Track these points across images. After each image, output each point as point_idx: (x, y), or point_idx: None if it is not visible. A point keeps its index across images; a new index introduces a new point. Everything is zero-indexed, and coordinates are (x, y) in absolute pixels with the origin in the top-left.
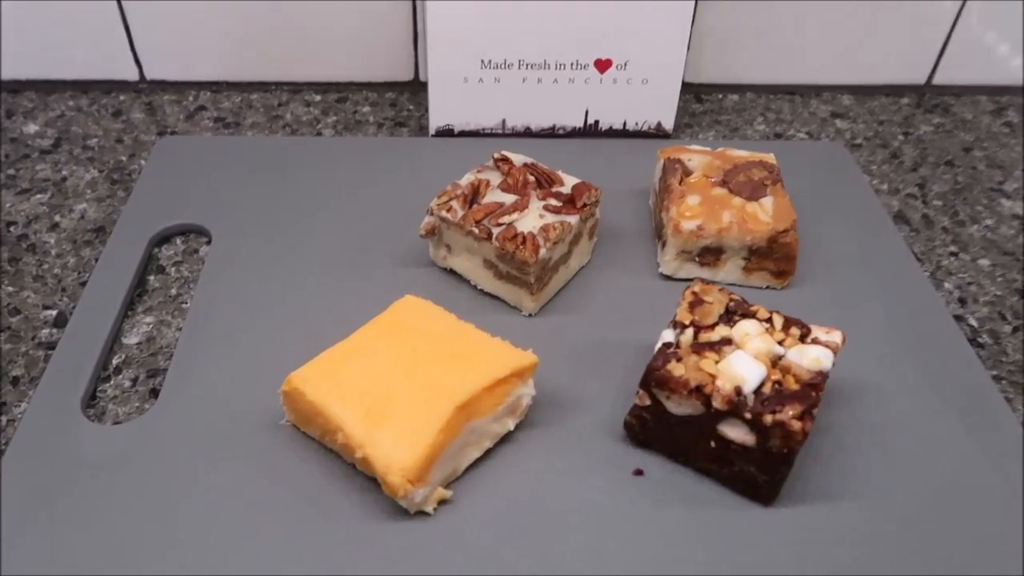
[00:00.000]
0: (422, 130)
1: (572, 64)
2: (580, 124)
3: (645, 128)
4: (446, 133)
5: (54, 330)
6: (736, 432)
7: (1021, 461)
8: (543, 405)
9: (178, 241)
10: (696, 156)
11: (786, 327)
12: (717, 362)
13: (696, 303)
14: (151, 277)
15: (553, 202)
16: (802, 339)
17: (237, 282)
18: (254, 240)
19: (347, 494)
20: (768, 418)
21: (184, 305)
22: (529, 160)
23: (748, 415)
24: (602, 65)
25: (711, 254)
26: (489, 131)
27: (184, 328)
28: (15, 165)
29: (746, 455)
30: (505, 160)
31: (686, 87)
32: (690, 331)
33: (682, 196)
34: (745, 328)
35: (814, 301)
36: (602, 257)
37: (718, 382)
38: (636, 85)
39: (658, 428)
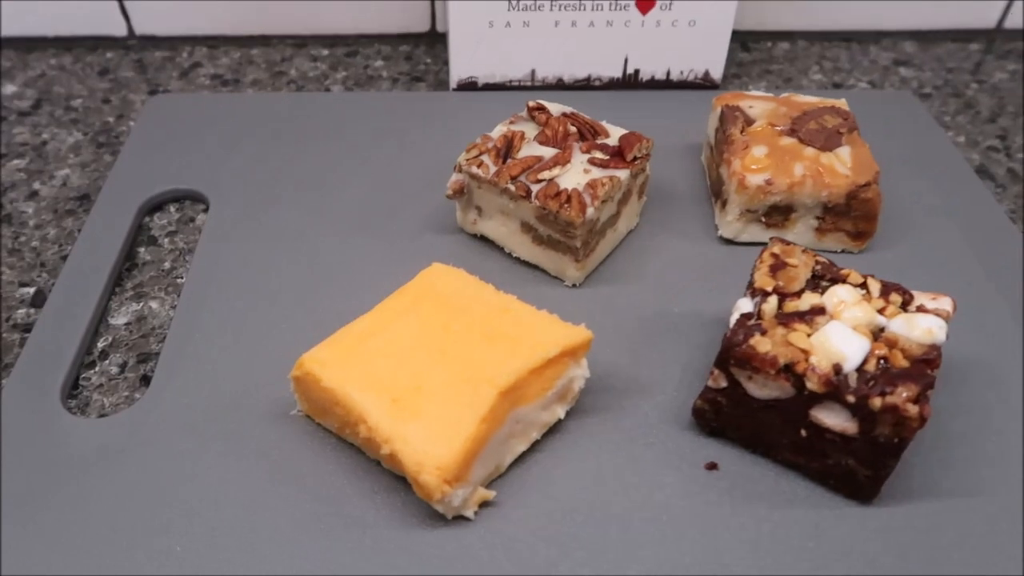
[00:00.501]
0: (441, 85)
1: (611, 4)
2: (619, 74)
3: (691, 78)
4: (469, 86)
5: (31, 310)
6: (834, 419)
7: None
8: (597, 389)
9: (171, 209)
10: (758, 103)
11: (885, 293)
12: (809, 335)
13: (778, 266)
14: (141, 249)
15: (599, 155)
16: (904, 307)
17: (238, 253)
18: (256, 206)
19: (372, 496)
20: (876, 402)
21: (179, 280)
22: (568, 109)
23: (851, 398)
24: (644, 5)
25: (779, 213)
26: (517, 83)
27: (179, 306)
28: None
29: (845, 446)
30: (541, 109)
31: (732, 35)
32: (773, 299)
33: (746, 147)
34: (839, 295)
35: (897, 266)
36: (651, 220)
37: (813, 359)
38: (682, 28)
39: (735, 414)
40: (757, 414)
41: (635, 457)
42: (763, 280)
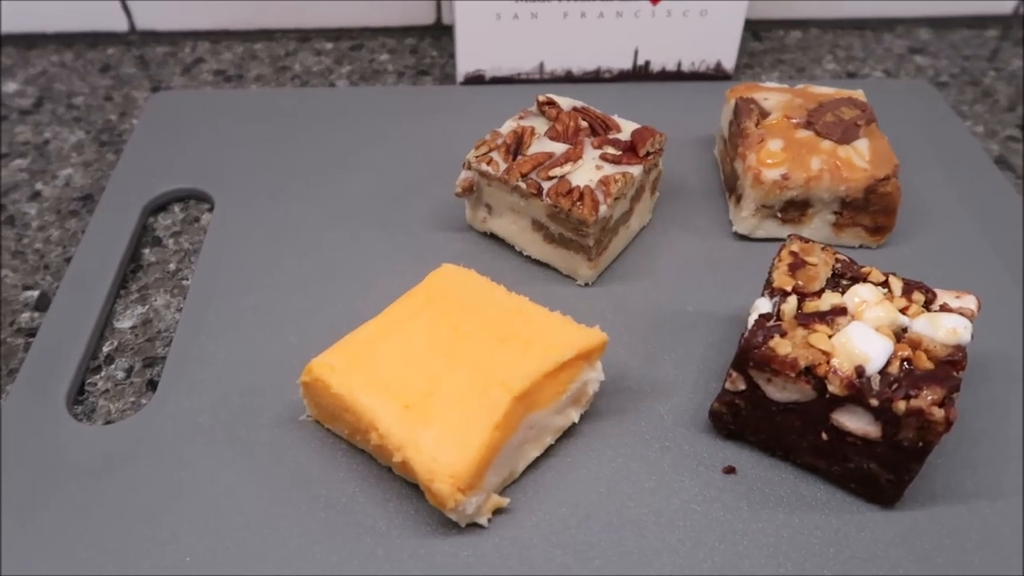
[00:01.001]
0: (447, 79)
1: None
2: (628, 66)
3: (702, 69)
4: (476, 80)
5: (35, 314)
6: (856, 422)
7: None
8: (611, 391)
9: (176, 209)
10: (773, 95)
11: (907, 292)
12: (831, 336)
13: (797, 265)
14: (146, 250)
15: (611, 151)
16: (927, 306)
17: (245, 254)
18: (262, 206)
19: (383, 504)
20: (901, 405)
21: (184, 282)
22: (579, 103)
23: (874, 402)
24: None
25: (795, 208)
26: (525, 76)
27: (185, 309)
28: None
29: (867, 450)
30: (551, 104)
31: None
32: (793, 299)
33: (761, 140)
34: (861, 294)
35: (916, 260)
36: (664, 216)
37: (834, 361)
38: (693, 18)
39: (754, 417)
40: (776, 417)
41: (651, 461)
42: (782, 279)
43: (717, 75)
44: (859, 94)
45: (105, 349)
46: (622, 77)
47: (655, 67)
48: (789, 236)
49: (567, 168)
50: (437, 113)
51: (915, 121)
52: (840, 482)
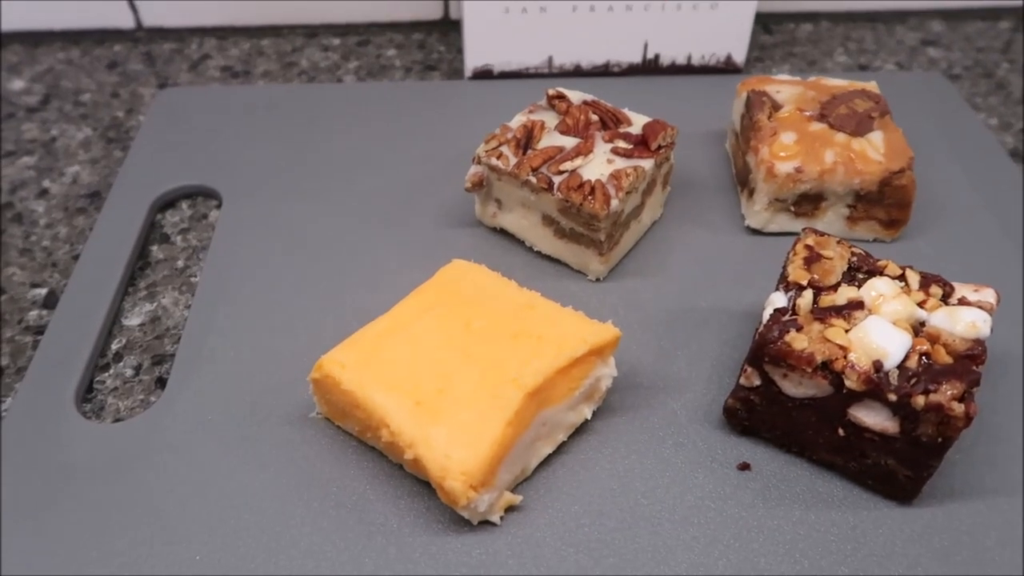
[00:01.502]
0: (455, 74)
1: None
2: (638, 59)
3: (712, 62)
4: (484, 75)
5: (44, 312)
6: (874, 417)
7: None
8: (624, 387)
9: (184, 205)
10: (785, 87)
11: (924, 285)
12: (847, 331)
13: (812, 259)
14: (154, 247)
15: (622, 144)
16: (944, 299)
17: (253, 250)
18: (270, 202)
19: (395, 501)
20: (920, 400)
21: (193, 279)
22: (589, 97)
23: (892, 397)
24: None
25: (809, 202)
26: (534, 71)
27: (193, 306)
28: None
29: (885, 445)
30: (561, 97)
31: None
32: (808, 293)
33: (774, 133)
34: (878, 288)
35: (931, 254)
36: (675, 210)
37: (851, 356)
38: (703, 11)
39: (769, 413)
40: (792, 413)
41: (665, 458)
42: (797, 273)
43: (727, 68)
44: (872, 86)
45: (114, 347)
46: (631, 71)
47: (665, 61)
48: (804, 229)
49: (578, 162)
50: (445, 108)
51: (928, 114)
52: (857, 478)
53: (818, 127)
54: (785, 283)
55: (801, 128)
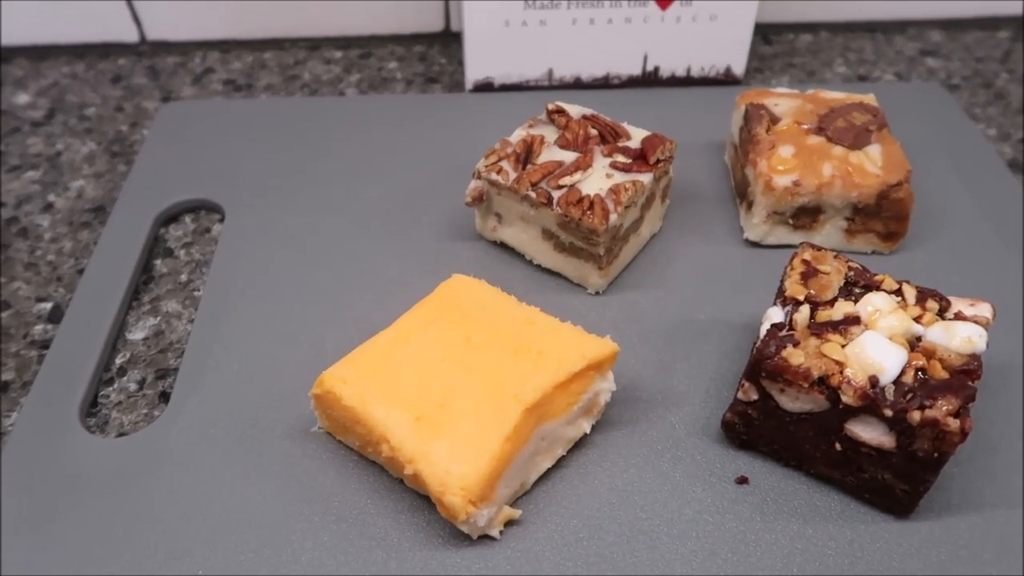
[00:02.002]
0: (456, 86)
1: (629, 1)
2: (638, 71)
3: (712, 74)
4: (485, 87)
5: (48, 326)
6: (870, 432)
7: None
8: (622, 401)
9: (187, 219)
10: (783, 100)
11: (921, 300)
12: (844, 346)
13: (809, 273)
14: (158, 261)
15: (621, 159)
16: (941, 314)
17: (256, 265)
18: (273, 216)
19: (395, 515)
20: (916, 416)
21: (196, 293)
22: (588, 111)
23: (888, 412)
24: (664, 2)
25: (807, 215)
26: (534, 83)
27: (197, 320)
28: (3, 140)
29: (882, 460)
30: (561, 112)
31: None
32: (805, 308)
33: (772, 147)
34: (874, 303)
35: (929, 266)
36: (675, 223)
37: (848, 371)
38: (703, 23)
39: (766, 427)
40: (789, 427)
41: (663, 472)
42: (794, 288)
43: (727, 80)
44: (870, 98)
45: (118, 361)
46: (631, 83)
47: (664, 73)
48: (801, 244)
49: (577, 177)
50: (446, 121)
51: (927, 124)
52: (854, 492)
53: (816, 140)
54: (782, 298)
55: (799, 141)
